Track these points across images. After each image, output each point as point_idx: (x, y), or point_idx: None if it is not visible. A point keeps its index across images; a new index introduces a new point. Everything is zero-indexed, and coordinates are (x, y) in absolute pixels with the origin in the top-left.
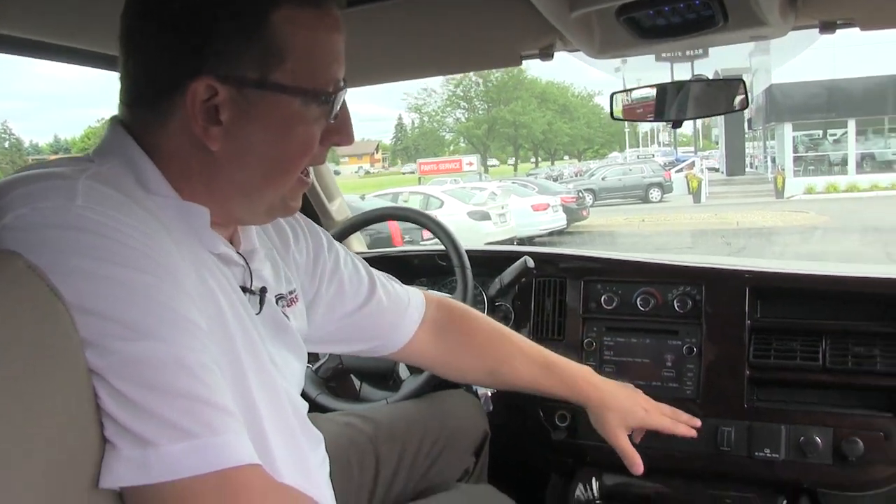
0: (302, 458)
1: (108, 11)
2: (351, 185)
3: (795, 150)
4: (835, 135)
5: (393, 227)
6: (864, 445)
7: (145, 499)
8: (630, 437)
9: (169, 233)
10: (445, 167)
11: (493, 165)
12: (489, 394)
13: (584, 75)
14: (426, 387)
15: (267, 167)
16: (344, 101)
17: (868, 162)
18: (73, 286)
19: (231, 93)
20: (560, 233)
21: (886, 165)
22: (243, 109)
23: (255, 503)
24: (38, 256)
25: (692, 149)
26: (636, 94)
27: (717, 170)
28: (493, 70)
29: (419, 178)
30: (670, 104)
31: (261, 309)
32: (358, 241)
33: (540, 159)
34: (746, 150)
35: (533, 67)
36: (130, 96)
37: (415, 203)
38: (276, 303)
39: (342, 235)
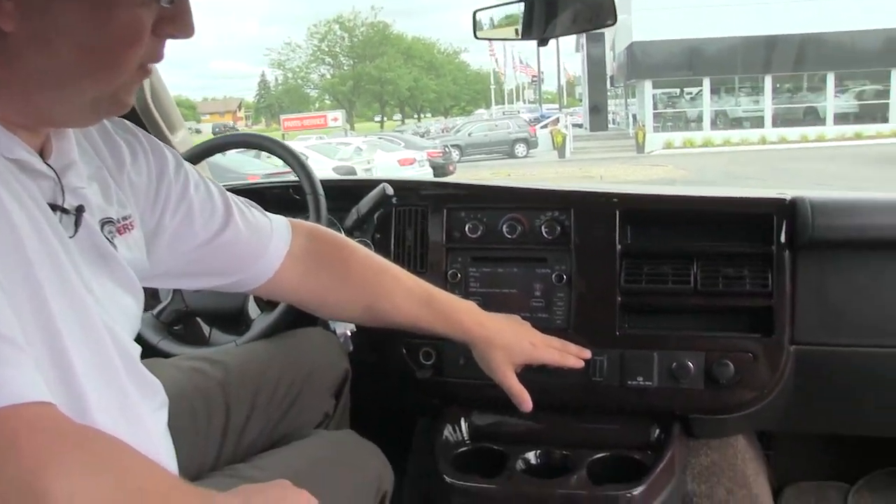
0: (127, 403)
1: None
2: None
3: (655, 107)
4: (691, 93)
5: None
6: (734, 367)
7: None
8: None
9: None
10: (310, 123)
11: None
12: (349, 332)
13: (449, 32)
14: (280, 325)
15: (83, 56)
16: None
17: (721, 119)
18: None
19: None
20: None
21: (737, 122)
22: None
23: (40, 445)
24: None
25: (557, 106)
26: (502, 11)
27: (580, 126)
28: (359, 25)
29: (283, 135)
30: (538, 21)
31: (76, 231)
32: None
33: (406, 116)
34: (609, 107)
35: (399, 23)
36: None
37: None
38: (103, 228)
39: (195, 160)
